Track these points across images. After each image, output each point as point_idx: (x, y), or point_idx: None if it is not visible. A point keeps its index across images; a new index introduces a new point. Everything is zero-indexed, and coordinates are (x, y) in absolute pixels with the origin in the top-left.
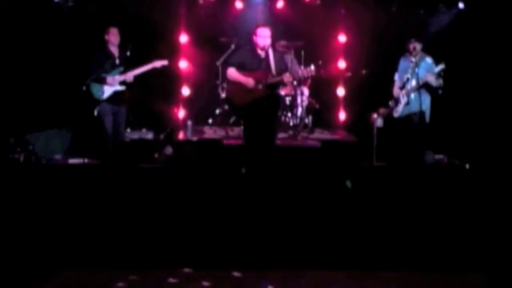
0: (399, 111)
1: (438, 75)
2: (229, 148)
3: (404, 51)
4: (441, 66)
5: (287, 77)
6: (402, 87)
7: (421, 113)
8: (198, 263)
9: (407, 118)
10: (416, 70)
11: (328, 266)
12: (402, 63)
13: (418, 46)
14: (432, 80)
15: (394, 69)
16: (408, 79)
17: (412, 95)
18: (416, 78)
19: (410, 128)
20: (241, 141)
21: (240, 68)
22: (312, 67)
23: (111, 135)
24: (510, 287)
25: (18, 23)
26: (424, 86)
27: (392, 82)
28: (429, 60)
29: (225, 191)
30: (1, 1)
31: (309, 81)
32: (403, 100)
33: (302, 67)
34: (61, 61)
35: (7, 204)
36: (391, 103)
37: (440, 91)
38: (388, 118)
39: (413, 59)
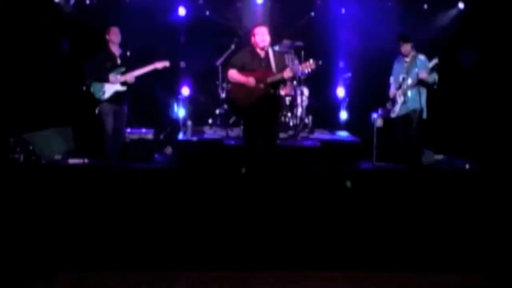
0: (396, 111)
1: (432, 70)
2: (229, 148)
3: (397, 53)
4: (434, 61)
5: (287, 73)
6: (399, 88)
7: (421, 110)
8: (198, 263)
9: (405, 117)
10: (412, 69)
11: (327, 266)
12: (396, 65)
13: (408, 46)
14: (426, 76)
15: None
16: (404, 79)
17: (409, 93)
18: (412, 77)
19: (409, 126)
20: (241, 141)
21: (241, 69)
22: (311, 61)
23: (112, 135)
24: (509, 287)
25: (19, 23)
26: (420, 83)
27: (387, 85)
28: (422, 57)
29: (225, 191)
30: (1, 1)
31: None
32: (400, 100)
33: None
34: (62, 60)
35: (7, 204)
36: (388, 104)
37: (435, 86)
38: (387, 118)
39: (407, 59)
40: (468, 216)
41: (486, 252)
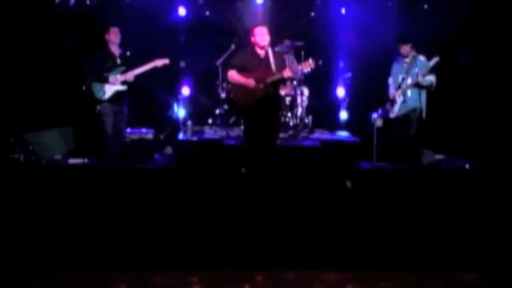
0: (395, 111)
1: (432, 70)
2: (229, 148)
3: (396, 54)
4: (435, 59)
5: (287, 72)
6: (398, 88)
7: (420, 110)
8: (198, 263)
9: (405, 117)
10: (412, 69)
11: (327, 266)
12: (395, 66)
13: (407, 47)
14: (422, 80)
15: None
16: (403, 79)
17: (409, 93)
18: (412, 76)
19: (409, 126)
20: (241, 141)
21: (241, 69)
22: (311, 60)
23: (112, 135)
24: (510, 287)
25: (19, 23)
26: (417, 86)
27: (386, 86)
28: (422, 58)
29: (225, 191)
30: (1, 1)
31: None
32: (399, 100)
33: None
34: (62, 60)
35: (7, 204)
36: (387, 105)
37: (432, 88)
38: (386, 118)
39: (406, 60)
40: (468, 216)
41: (486, 252)
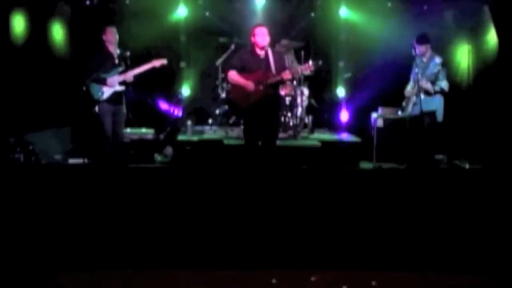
0: (408, 110)
1: (436, 75)
2: (229, 148)
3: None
4: (438, 68)
5: (286, 74)
6: (414, 87)
7: (431, 113)
8: (198, 263)
9: (416, 118)
10: (427, 71)
11: (327, 266)
12: (414, 65)
13: (422, 48)
14: (429, 87)
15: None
16: (418, 80)
17: (422, 95)
18: (426, 77)
19: (419, 128)
20: (241, 141)
21: (241, 70)
22: (311, 62)
23: (111, 135)
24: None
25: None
26: (422, 91)
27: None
28: (437, 60)
29: (225, 191)
30: (1, 1)
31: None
32: (412, 100)
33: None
34: (61, 61)
35: (7, 204)
36: (404, 103)
37: (444, 92)
38: (395, 119)
39: (424, 60)
40: (468, 216)
41: (487, 252)
